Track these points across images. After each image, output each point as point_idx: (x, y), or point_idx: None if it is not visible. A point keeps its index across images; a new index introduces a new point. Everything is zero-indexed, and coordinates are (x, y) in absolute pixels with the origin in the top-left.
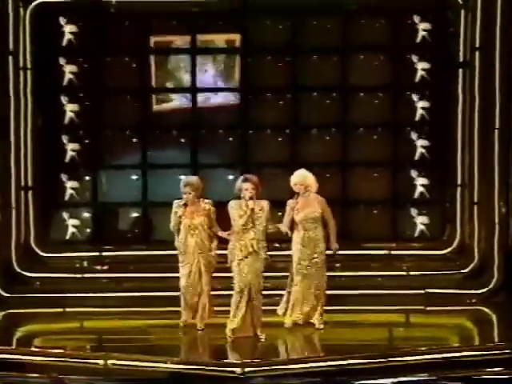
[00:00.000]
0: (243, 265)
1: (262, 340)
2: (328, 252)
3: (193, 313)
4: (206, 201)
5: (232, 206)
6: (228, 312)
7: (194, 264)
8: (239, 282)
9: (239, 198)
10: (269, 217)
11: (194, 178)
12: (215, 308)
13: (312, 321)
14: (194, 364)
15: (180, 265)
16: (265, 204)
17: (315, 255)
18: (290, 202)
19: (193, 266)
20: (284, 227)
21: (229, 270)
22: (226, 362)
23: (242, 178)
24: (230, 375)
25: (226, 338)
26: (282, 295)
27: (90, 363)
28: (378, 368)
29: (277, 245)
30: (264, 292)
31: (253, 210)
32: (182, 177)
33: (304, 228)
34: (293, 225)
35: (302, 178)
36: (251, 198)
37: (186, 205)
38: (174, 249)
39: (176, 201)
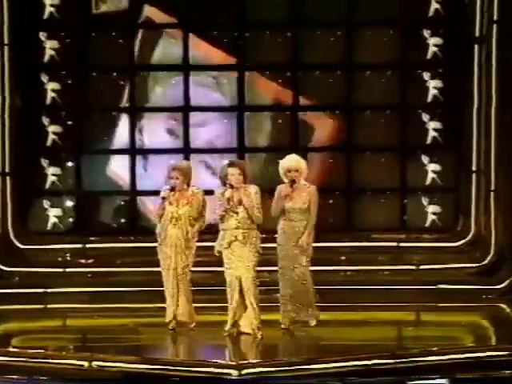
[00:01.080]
0: (229, 254)
1: (258, 338)
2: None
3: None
4: (196, 189)
5: (216, 194)
6: (221, 309)
7: (173, 259)
8: (226, 273)
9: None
10: (258, 204)
11: (183, 163)
12: (210, 305)
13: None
14: (187, 366)
15: (159, 257)
16: (253, 190)
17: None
18: (282, 189)
19: (171, 262)
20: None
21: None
22: (220, 364)
23: (227, 162)
24: (225, 377)
25: (221, 338)
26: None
27: (73, 365)
28: (386, 370)
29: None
30: (266, 288)
31: (229, 199)
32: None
33: (289, 218)
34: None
35: (296, 162)
36: (234, 186)
37: (173, 191)
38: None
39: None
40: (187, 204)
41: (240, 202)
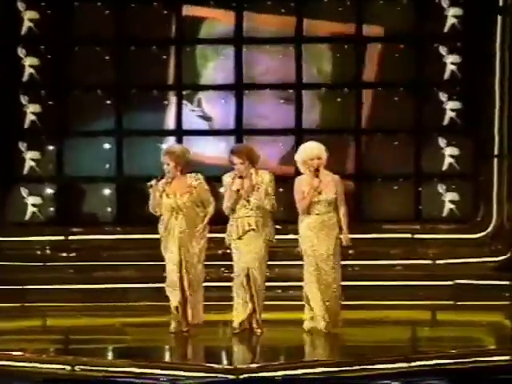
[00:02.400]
0: (239, 245)
1: (258, 334)
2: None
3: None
4: (194, 175)
5: (224, 181)
6: (221, 307)
7: (176, 253)
8: (236, 264)
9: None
10: (272, 190)
11: (176, 146)
12: (206, 303)
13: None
14: (179, 369)
15: (163, 254)
16: (265, 175)
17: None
18: (305, 181)
19: (177, 256)
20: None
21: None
22: (217, 368)
23: (230, 148)
24: (222, 381)
25: (217, 338)
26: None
27: (54, 369)
28: (399, 373)
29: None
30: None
31: (238, 190)
32: (164, 146)
33: (315, 211)
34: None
35: (319, 150)
36: (240, 175)
37: (161, 180)
38: (154, 232)
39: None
40: (187, 193)
41: (252, 189)
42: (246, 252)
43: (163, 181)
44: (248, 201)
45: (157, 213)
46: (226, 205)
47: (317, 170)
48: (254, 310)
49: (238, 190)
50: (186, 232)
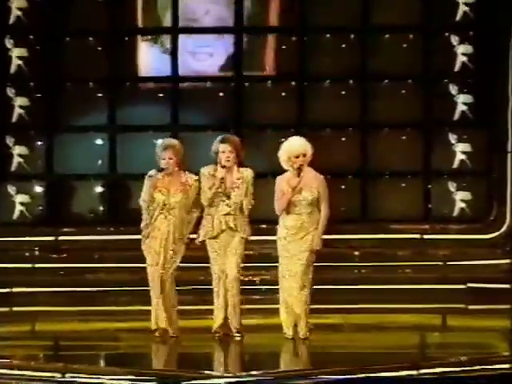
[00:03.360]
0: (215, 245)
1: (237, 339)
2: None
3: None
4: (192, 177)
5: (203, 173)
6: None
7: (162, 254)
8: (213, 266)
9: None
10: (252, 188)
11: (174, 141)
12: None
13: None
14: (172, 377)
15: (144, 252)
16: (247, 173)
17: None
18: (286, 179)
19: (159, 258)
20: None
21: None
22: (206, 375)
23: (219, 137)
24: None
25: (207, 345)
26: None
27: (43, 377)
28: (408, 381)
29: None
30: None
31: (223, 179)
32: (159, 141)
33: (295, 211)
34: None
35: (305, 147)
36: (226, 164)
37: (162, 174)
38: None
39: (149, 172)
40: (181, 192)
41: (233, 185)
42: (223, 252)
43: (159, 175)
44: (228, 197)
45: (143, 206)
46: (206, 196)
47: (299, 169)
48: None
49: (222, 179)
50: (173, 233)
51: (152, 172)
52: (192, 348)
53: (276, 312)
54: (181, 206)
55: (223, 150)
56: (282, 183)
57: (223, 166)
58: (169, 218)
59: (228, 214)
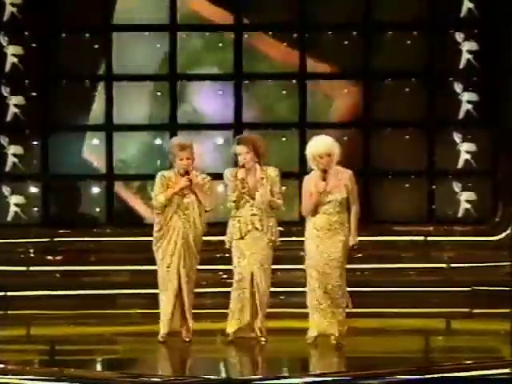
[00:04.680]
0: (242, 246)
1: (262, 343)
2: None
3: (170, 320)
4: (200, 174)
5: (227, 175)
6: (218, 315)
7: (176, 256)
8: (237, 267)
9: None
10: (278, 188)
11: (187, 140)
12: (203, 310)
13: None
14: (174, 383)
15: (157, 255)
16: (271, 171)
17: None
18: (312, 180)
19: (175, 260)
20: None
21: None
22: (214, 380)
23: (235, 139)
24: None
25: (216, 349)
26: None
27: (38, 381)
28: None
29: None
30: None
31: (243, 180)
32: (158, 141)
33: (324, 211)
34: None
35: (329, 146)
36: (244, 165)
37: (181, 174)
38: (147, 234)
39: (162, 172)
40: (192, 191)
41: (256, 186)
42: (249, 254)
43: (172, 174)
44: (253, 198)
45: (159, 207)
46: (230, 199)
47: (325, 171)
48: (256, 317)
49: (242, 180)
50: (190, 234)
51: (165, 172)
52: (203, 352)
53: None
54: (196, 205)
55: (239, 151)
56: (310, 184)
57: (243, 167)
58: (182, 218)
59: (254, 214)
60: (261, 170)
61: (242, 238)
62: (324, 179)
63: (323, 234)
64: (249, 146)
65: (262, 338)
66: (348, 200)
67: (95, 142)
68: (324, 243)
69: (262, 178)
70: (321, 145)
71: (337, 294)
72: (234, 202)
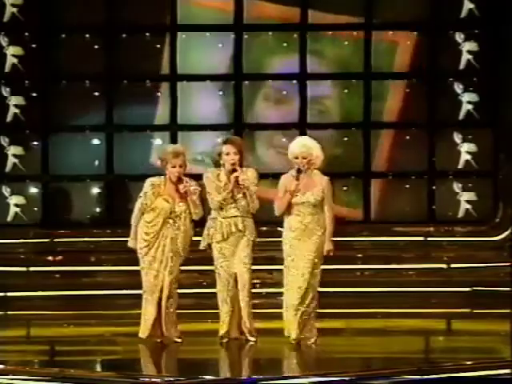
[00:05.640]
0: (222, 248)
1: (252, 343)
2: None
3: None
4: (189, 180)
5: (208, 176)
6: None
7: (165, 262)
8: (219, 270)
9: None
10: (256, 189)
11: (180, 146)
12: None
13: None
14: (173, 383)
15: (141, 256)
16: (250, 173)
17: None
18: (286, 180)
19: (162, 265)
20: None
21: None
22: (207, 380)
23: (222, 139)
24: None
25: (211, 349)
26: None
27: (38, 381)
28: None
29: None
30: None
31: (236, 180)
32: (158, 141)
33: (298, 213)
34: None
35: (305, 148)
36: (233, 166)
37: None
38: None
39: (152, 179)
40: (185, 200)
41: (238, 187)
42: (231, 255)
43: (162, 182)
44: (236, 200)
45: (141, 209)
46: (216, 199)
47: (299, 171)
48: (243, 318)
49: (236, 177)
50: (180, 243)
51: (155, 179)
52: (196, 353)
53: (276, 316)
54: (187, 214)
55: (228, 151)
56: (285, 183)
57: (233, 170)
58: (172, 227)
59: (236, 216)
60: (239, 171)
61: (224, 240)
62: (297, 179)
63: (298, 235)
64: (238, 147)
65: (252, 338)
66: (323, 204)
67: (95, 142)
68: (299, 244)
69: (245, 180)
70: (297, 146)
71: (309, 294)
72: (219, 202)
